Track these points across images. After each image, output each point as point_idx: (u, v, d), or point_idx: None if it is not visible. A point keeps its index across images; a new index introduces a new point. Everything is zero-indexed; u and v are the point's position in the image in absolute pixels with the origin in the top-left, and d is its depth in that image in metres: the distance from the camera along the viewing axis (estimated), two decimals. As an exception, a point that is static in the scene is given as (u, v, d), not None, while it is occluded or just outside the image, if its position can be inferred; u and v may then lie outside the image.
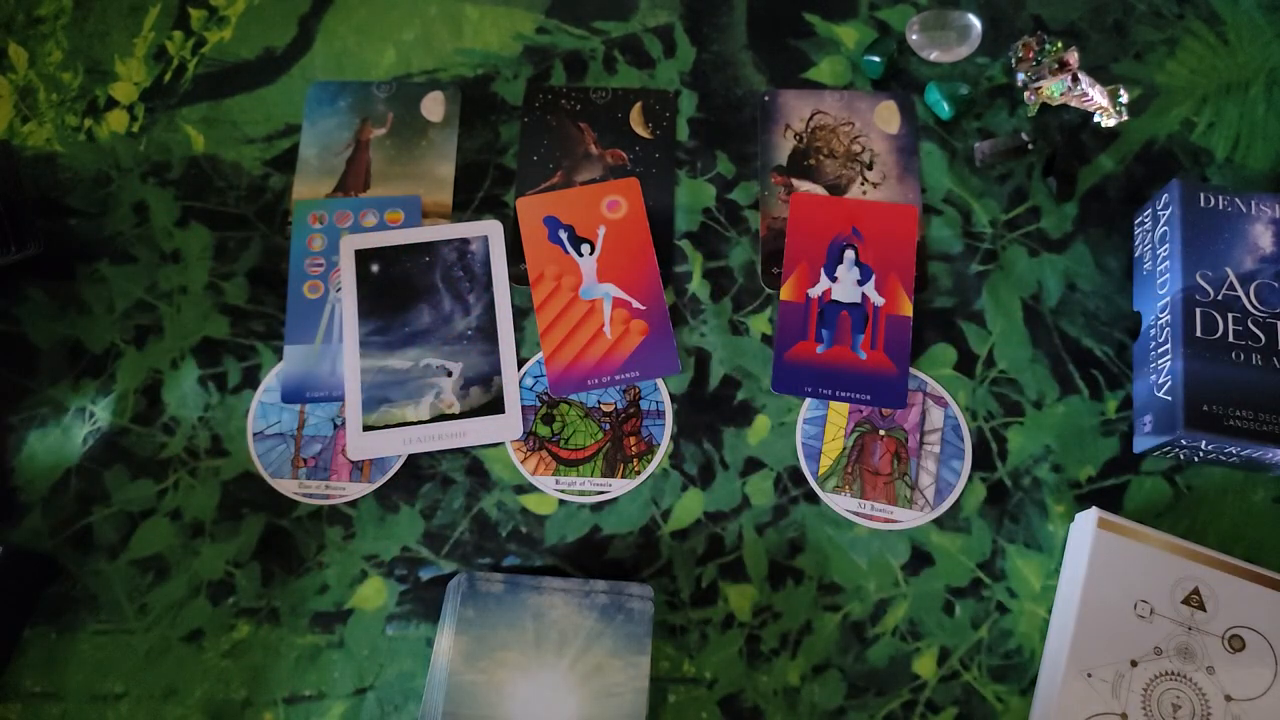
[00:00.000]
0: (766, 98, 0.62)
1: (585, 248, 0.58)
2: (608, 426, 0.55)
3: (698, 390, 0.56)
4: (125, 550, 0.53)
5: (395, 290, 0.57)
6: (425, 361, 0.56)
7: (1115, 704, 0.47)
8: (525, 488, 0.54)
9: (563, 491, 0.54)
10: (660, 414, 0.55)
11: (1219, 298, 0.52)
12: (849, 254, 0.58)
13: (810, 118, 0.62)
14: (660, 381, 0.56)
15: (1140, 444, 0.54)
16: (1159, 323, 0.54)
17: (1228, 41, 0.64)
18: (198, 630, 0.51)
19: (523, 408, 0.55)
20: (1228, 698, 0.47)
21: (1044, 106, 0.62)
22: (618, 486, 0.54)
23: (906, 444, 0.54)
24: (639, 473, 0.54)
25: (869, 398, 0.55)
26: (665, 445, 0.55)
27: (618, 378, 0.56)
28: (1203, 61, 0.63)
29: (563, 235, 0.58)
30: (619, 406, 0.55)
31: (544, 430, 0.55)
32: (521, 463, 0.54)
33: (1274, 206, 0.54)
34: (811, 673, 0.51)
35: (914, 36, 0.63)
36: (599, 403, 0.56)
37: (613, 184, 0.60)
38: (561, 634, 0.47)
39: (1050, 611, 0.51)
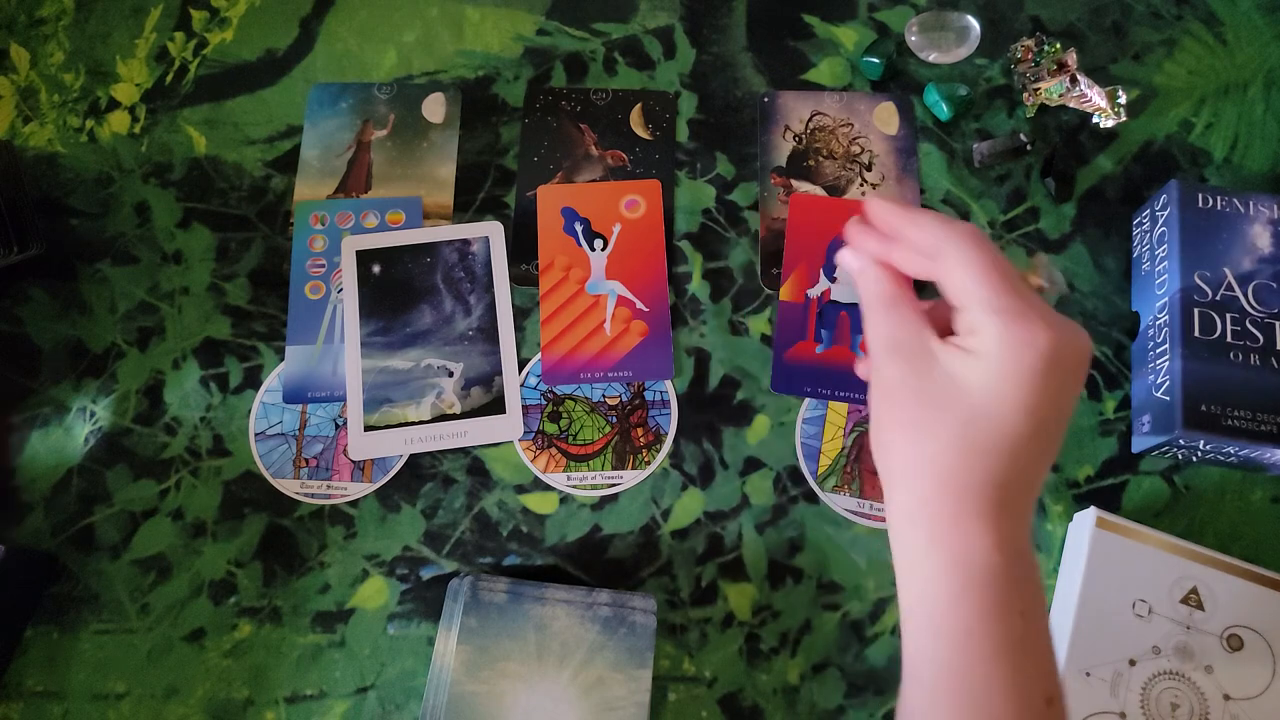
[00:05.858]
0: (766, 99, 0.63)
1: (598, 243, 0.58)
2: (614, 420, 0.55)
3: (697, 390, 0.56)
4: (127, 550, 0.53)
5: (396, 291, 0.58)
6: (426, 362, 0.56)
7: (1114, 703, 0.48)
8: (526, 487, 0.54)
9: (575, 487, 0.54)
10: (665, 404, 0.56)
11: (1217, 298, 0.52)
12: (848, 254, 0.58)
13: (809, 119, 0.62)
14: (660, 381, 0.56)
15: (1138, 444, 0.54)
16: (1157, 323, 0.54)
17: (1226, 42, 0.64)
18: (199, 630, 0.52)
19: (529, 406, 0.56)
20: (1226, 697, 0.48)
21: (1042, 107, 0.62)
22: (629, 478, 0.54)
23: (906, 444, 0.54)
24: (649, 463, 0.54)
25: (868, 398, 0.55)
26: (673, 433, 0.55)
27: (611, 375, 0.56)
28: (1201, 62, 0.64)
29: (578, 228, 0.59)
30: (624, 399, 0.56)
31: (551, 428, 0.55)
32: (531, 461, 0.55)
33: (1272, 207, 0.54)
34: (811, 671, 0.51)
35: (913, 38, 0.63)
36: (604, 396, 0.56)
37: (635, 183, 0.60)
38: (564, 646, 0.47)
39: (1048, 610, 0.52)
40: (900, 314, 0.37)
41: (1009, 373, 0.33)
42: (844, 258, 0.40)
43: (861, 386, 0.55)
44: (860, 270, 0.39)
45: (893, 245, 0.38)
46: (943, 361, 0.35)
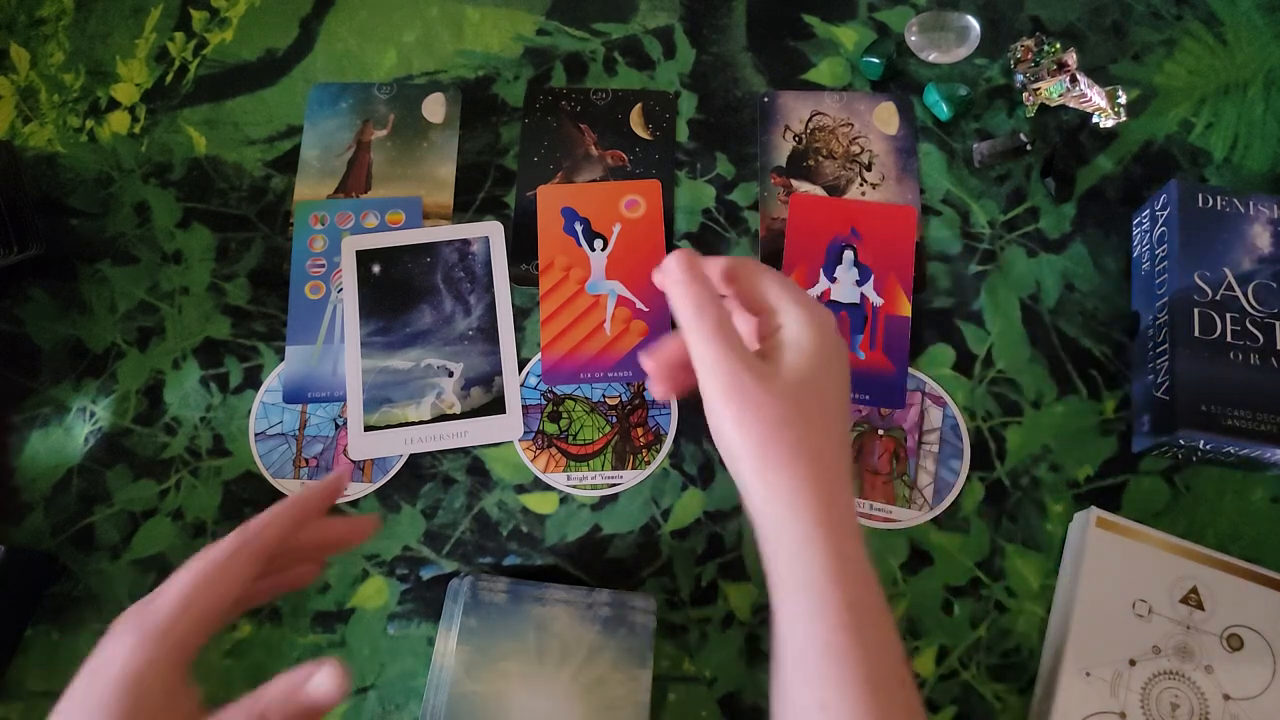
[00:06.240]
0: (766, 99, 0.62)
1: (598, 243, 0.58)
2: (614, 419, 0.55)
3: (697, 390, 0.56)
4: (127, 550, 0.53)
5: (396, 291, 0.58)
6: (426, 362, 0.56)
7: (1114, 703, 0.48)
8: (526, 487, 0.54)
9: (575, 487, 0.54)
10: (665, 404, 0.56)
11: (1217, 298, 0.52)
12: (848, 255, 0.58)
13: (809, 119, 0.62)
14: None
15: (1138, 444, 0.54)
16: (1157, 323, 0.54)
17: (1226, 42, 0.64)
18: (199, 629, 0.51)
19: (529, 406, 0.56)
20: (1226, 697, 0.48)
21: (1042, 107, 0.62)
22: (629, 478, 0.54)
23: (905, 443, 0.55)
24: (649, 463, 0.54)
25: (868, 397, 0.55)
26: (673, 433, 0.55)
27: (611, 375, 0.56)
28: (1201, 62, 0.64)
29: (578, 228, 0.59)
30: (624, 399, 0.56)
31: (551, 428, 0.55)
32: (531, 461, 0.55)
33: (1272, 207, 0.54)
34: (811, 672, 0.51)
35: (913, 38, 0.63)
36: (604, 396, 0.56)
37: (635, 183, 0.60)
38: (564, 646, 0.47)
39: (1049, 611, 0.52)
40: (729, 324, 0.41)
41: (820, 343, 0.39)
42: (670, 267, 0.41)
43: (861, 387, 0.55)
44: (687, 286, 0.41)
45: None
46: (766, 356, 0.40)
